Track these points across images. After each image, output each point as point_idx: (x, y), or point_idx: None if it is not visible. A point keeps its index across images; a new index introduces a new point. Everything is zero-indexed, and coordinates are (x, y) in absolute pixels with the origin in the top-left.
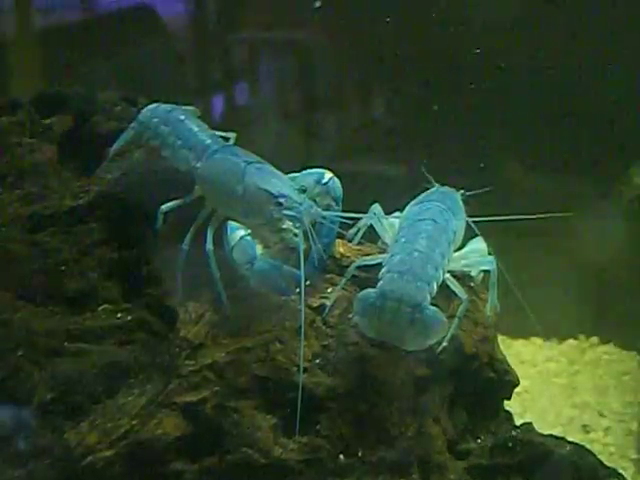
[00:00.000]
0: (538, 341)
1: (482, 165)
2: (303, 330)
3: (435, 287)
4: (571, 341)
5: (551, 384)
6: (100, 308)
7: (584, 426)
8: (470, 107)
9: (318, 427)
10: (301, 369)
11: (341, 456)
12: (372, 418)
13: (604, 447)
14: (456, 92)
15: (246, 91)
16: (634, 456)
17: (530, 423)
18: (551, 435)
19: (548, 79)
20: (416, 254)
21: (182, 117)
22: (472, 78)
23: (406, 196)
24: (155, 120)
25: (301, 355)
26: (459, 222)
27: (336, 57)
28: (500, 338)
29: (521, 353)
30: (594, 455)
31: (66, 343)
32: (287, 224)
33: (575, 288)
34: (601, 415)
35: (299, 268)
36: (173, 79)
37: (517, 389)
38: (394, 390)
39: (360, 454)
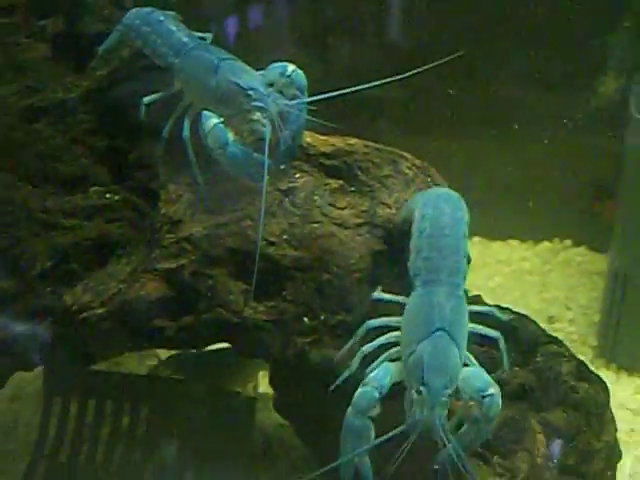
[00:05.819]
0: (514, 243)
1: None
2: (264, 208)
3: None
4: (546, 243)
5: (524, 281)
6: (91, 190)
7: (550, 317)
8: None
9: (284, 293)
10: (259, 236)
11: (305, 319)
12: (333, 287)
13: (567, 335)
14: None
15: (260, 15)
16: (594, 343)
17: (479, 295)
18: (497, 305)
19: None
20: None
21: (162, 18)
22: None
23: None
24: (137, 22)
25: (260, 229)
26: None
27: None
28: (478, 239)
29: (498, 253)
30: (537, 324)
31: (61, 219)
32: (256, 115)
33: (551, 194)
34: (567, 308)
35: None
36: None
37: (491, 284)
38: (353, 263)
39: (322, 318)
